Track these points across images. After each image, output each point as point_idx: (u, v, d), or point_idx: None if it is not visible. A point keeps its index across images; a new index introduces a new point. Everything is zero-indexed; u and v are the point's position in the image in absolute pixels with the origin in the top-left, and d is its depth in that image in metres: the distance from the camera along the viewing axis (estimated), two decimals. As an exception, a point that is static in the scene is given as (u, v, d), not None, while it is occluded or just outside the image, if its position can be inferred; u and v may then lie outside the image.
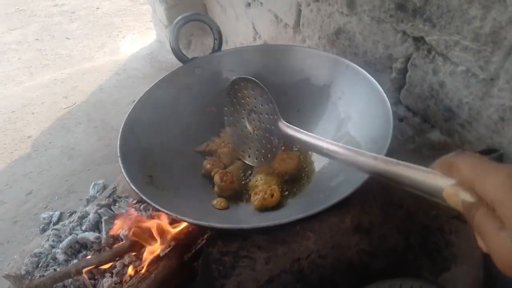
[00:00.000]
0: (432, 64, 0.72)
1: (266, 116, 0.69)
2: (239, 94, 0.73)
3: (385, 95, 0.69)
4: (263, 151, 0.72)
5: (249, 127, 0.74)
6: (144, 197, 0.57)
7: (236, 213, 0.69)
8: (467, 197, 0.30)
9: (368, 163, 0.43)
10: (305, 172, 0.78)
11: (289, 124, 0.65)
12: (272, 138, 0.68)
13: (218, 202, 0.71)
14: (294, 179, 0.77)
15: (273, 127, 0.67)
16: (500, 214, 0.27)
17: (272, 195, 0.71)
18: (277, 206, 0.71)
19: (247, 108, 0.73)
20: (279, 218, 0.54)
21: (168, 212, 0.54)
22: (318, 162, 0.79)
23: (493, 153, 0.62)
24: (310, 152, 0.81)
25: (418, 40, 0.74)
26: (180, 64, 0.87)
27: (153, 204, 0.55)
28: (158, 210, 0.56)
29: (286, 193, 0.74)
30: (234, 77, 0.72)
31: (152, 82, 0.82)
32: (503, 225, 0.27)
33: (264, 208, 0.70)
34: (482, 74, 0.64)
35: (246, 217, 0.70)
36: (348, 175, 0.68)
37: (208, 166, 0.78)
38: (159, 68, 2.03)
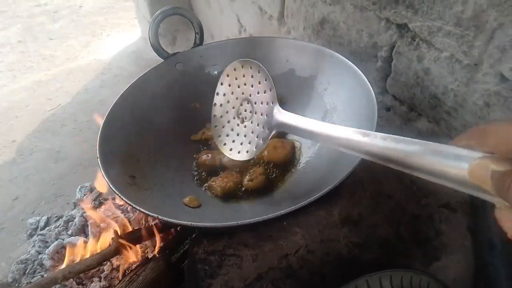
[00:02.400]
0: (416, 51, 0.71)
1: (261, 105, 0.64)
2: (236, 80, 0.67)
3: (369, 84, 0.67)
4: (248, 143, 0.67)
5: (237, 119, 0.69)
6: (124, 199, 0.55)
7: (218, 211, 0.67)
8: (501, 166, 0.26)
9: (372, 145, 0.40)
10: (293, 162, 0.77)
11: (284, 111, 0.61)
12: (263, 129, 0.64)
13: (190, 200, 0.69)
14: (282, 169, 0.76)
15: (266, 116, 0.63)
16: None
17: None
18: (264, 198, 0.70)
19: (240, 97, 0.68)
20: (263, 214, 0.52)
21: (149, 213, 0.53)
22: (304, 152, 0.78)
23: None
24: (297, 142, 0.80)
25: (402, 27, 0.73)
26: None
27: (132, 205, 0.53)
28: (140, 211, 0.54)
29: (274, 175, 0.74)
30: (235, 61, 0.67)
31: (138, 81, 0.80)
32: None
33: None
34: (466, 60, 0.63)
35: (230, 214, 0.69)
36: (334, 165, 0.67)
37: (208, 160, 0.78)
38: (145, 66, 1.98)
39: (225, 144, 0.70)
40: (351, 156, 0.64)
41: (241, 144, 0.68)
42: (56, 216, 1.23)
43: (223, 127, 0.71)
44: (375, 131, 0.59)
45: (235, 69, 0.67)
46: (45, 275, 0.91)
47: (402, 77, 0.76)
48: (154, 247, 0.81)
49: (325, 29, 0.92)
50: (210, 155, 0.78)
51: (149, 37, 0.81)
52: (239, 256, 0.60)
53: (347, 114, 0.72)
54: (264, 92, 0.64)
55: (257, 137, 0.65)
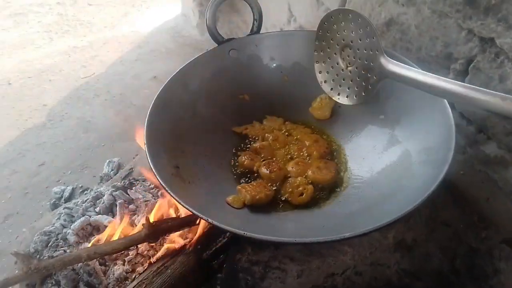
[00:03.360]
0: (499, 70, 0.64)
1: (365, 51, 0.65)
2: (334, 27, 0.69)
3: (445, 100, 0.61)
4: (356, 88, 0.69)
5: (341, 63, 0.70)
6: (174, 196, 0.51)
7: (262, 216, 0.62)
8: None
9: (495, 104, 0.46)
10: (342, 179, 0.70)
11: (393, 61, 0.61)
12: (369, 75, 0.65)
13: (234, 200, 0.63)
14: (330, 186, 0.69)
15: (372, 63, 0.64)
16: None
17: (301, 194, 0.66)
18: (311, 210, 0.64)
19: (341, 43, 0.69)
20: (315, 228, 0.48)
21: (201, 216, 0.48)
22: (355, 170, 0.72)
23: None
24: (346, 158, 0.74)
25: (486, 41, 0.65)
26: (211, 44, 0.80)
27: (184, 205, 0.49)
28: (189, 210, 0.50)
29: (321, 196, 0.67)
30: (332, 10, 0.69)
31: (174, 58, 0.75)
32: None
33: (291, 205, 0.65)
34: (561, 87, 0.56)
35: (275, 220, 0.64)
36: (397, 182, 0.61)
37: (247, 161, 0.72)
38: (183, 44, 1.95)
39: (332, 89, 0.73)
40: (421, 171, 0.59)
41: (348, 88, 0.70)
42: (81, 187, 1.21)
43: (327, 72, 0.73)
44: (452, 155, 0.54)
45: (332, 17, 0.68)
46: (67, 250, 0.89)
47: (476, 95, 0.69)
48: (185, 240, 0.77)
49: (391, 31, 0.85)
50: (249, 159, 0.73)
51: (206, 19, 0.76)
52: (284, 270, 0.55)
53: (412, 129, 0.66)
54: (367, 39, 0.64)
55: (363, 82, 0.67)
